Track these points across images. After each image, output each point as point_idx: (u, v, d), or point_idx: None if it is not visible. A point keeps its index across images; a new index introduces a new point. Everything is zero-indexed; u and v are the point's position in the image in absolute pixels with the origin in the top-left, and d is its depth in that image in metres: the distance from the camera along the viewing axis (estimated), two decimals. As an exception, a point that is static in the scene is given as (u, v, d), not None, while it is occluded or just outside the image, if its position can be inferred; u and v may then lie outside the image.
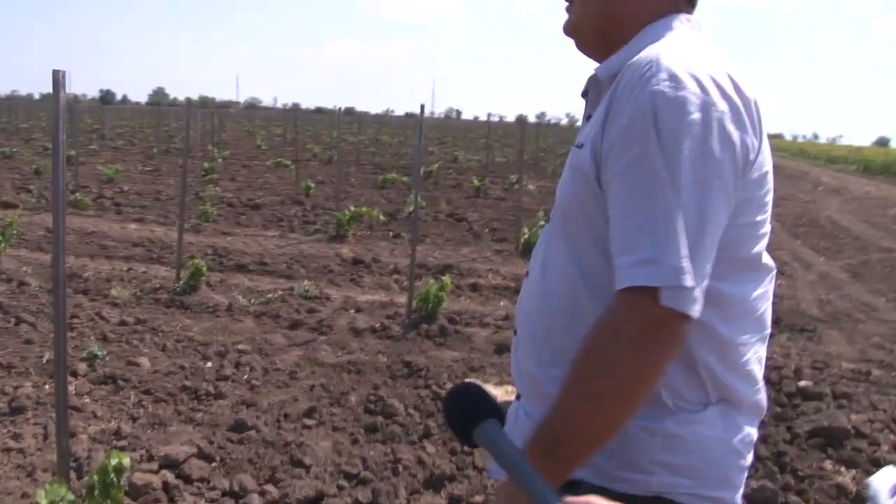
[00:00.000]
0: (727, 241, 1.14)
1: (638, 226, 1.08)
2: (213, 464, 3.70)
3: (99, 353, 5.03)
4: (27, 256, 8.05)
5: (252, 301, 6.61)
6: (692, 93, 1.09)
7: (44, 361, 4.96)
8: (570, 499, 0.90)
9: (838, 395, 4.98)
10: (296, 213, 12.07)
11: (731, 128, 1.11)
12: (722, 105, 1.11)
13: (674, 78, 1.10)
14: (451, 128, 71.26)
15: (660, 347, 1.07)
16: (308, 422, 4.21)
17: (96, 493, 2.75)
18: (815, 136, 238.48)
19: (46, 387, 4.56)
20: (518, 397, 1.40)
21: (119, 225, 10.27)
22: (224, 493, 3.44)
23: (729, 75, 1.15)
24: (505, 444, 1.01)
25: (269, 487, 3.47)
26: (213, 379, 4.78)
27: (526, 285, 1.38)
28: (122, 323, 5.85)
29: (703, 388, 1.22)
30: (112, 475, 2.76)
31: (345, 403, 4.51)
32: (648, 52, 1.17)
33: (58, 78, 2.65)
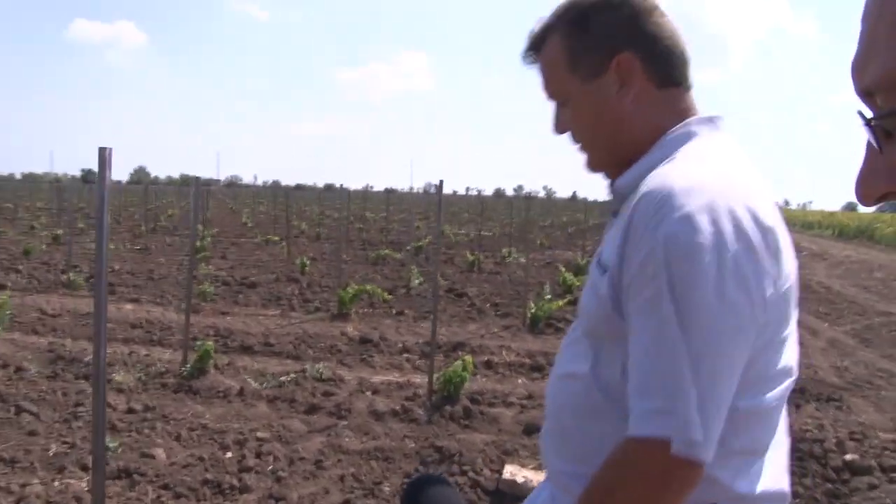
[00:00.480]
0: (754, 362, 1.14)
1: (651, 372, 1.09)
2: (250, 568, 3.40)
3: (110, 444, 4.72)
4: (22, 340, 7.72)
5: (264, 385, 6.33)
6: (705, 236, 1.07)
7: (50, 455, 4.64)
8: None
9: (886, 468, 4.79)
10: (293, 290, 11.83)
11: (746, 267, 1.08)
12: (737, 244, 1.08)
13: (686, 219, 1.08)
14: (433, 203, 71.74)
15: (670, 494, 1.08)
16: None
17: None
18: (787, 203, 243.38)
19: (56, 483, 4.24)
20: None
21: (114, 306, 9.96)
22: None
23: (747, 206, 1.11)
24: None
25: None
26: (236, 471, 4.48)
27: (552, 378, 1.40)
28: (130, 411, 5.55)
29: None
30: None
31: (379, 494, 4.23)
32: (662, 180, 1.15)
33: (104, 156, 2.48)
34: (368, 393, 6.24)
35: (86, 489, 4.17)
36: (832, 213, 79.31)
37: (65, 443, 4.85)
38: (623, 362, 1.18)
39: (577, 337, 1.34)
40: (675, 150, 1.26)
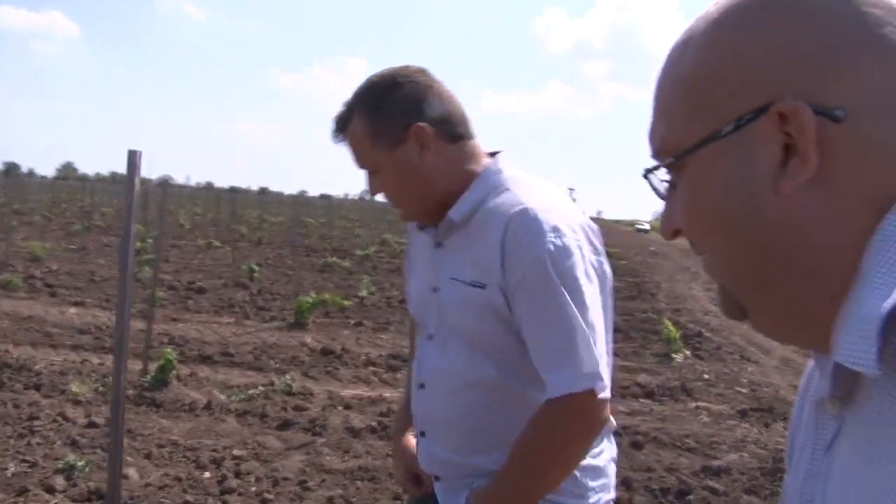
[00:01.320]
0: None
1: (560, 347, 1.44)
2: None
3: (77, 463, 4.41)
4: (-40, 346, 7.23)
5: (232, 398, 6.05)
6: (569, 238, 1.47)
7: (8, 475, 4.30)
8: None
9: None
10: (244, 297, 11.47)
11: (591, 257, 1.52)
12: (582, 241, 1.51)
13: (555, 230, 1.46)
14: (368, 209, 71.22)
15: (598, 427, 1.50)
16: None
17: None
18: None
19: (21, 506, 3.93)
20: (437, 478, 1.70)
21: (57, 309, 9.47)
22: None
23: (576, 219, 1.54)
24: None
25: None
26: (217, 492, 4.24)
27: (429, 393, 1.67)
28: (92, 425, 5.21)
29: None
30: None
31: (373, 518, 4.06)
32: (523, 207, 1.49)
33: (134, 160, 2.27)
34: (341, 408, 6.03)
35: (55, 513, 3.88)
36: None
37: (24, 461, 4.50)
38: (510, 347, 1.54)
39: (449, 347, 1.62)
40: (495, 183, 1.59)
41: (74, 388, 5.93)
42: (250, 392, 6.19)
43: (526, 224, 1.48)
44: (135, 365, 6.82)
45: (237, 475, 4.48)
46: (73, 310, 9.56)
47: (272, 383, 6.46)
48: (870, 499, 0.52)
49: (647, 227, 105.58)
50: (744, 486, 4.90)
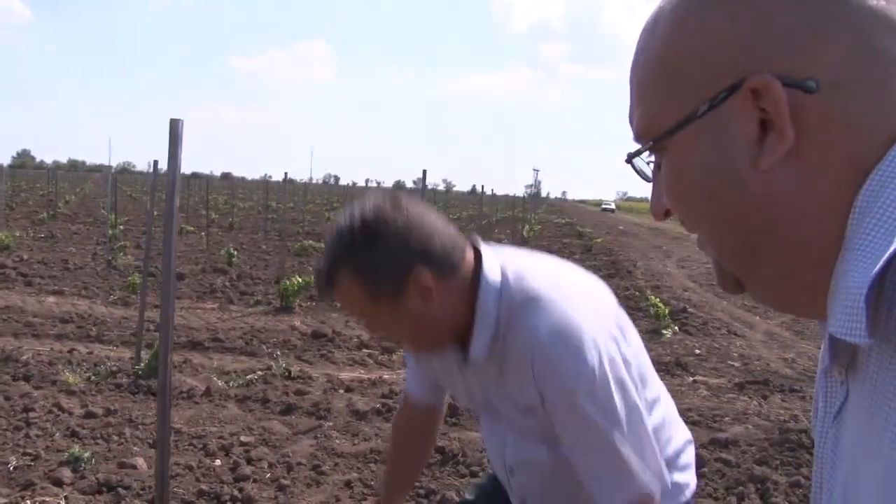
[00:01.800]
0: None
1: (605, 469, 1.47)
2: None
3: (82, 455, 4.26)
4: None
5: (231, 384, 5.92)
6: (593, 355, 1.42)
7: (11, 469, 4.15)
8: None
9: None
10: (224, 282, 11.27)
11: (619, 362, 1.47)
12: (611, 349, 1.46)
13: (578, 354, 1.41)
14: (334, 193, 70.67)
15: None
16: None
17: None
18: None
19: (28, 502, 3.78)
20: None
21: (34, 298, 9.18)
22: None
23: (599, 328, 1.47)
24: None
25: None
26: (232, 480, 4.13)
27: (523, 477, 1.67)
28: (90, 415, 5.05)
29: None
30: None
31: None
32: (536, 339, 1.45)
33: (177, 128, 2.15)
34: (342, 391, 5.94)
35: (65, 506, 3.74)
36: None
37: (26, 454, 4.34)
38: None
39: (539, 445, 1.60)
40: (499, 300, 1.50)
41: (67, 378, 5.74)
42: (249, 377, 6.06)
43: (547, 358, 1.44)
44: (123, 353, 6.67)
45: (249, 462, 4.37)
46: (51, 299, 9.29)
47: (269, 368, 6.33)
48: (873, 466, 0.52)
49: (613, 206, 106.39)
50: (754, 457, 4.91)
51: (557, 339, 1.43)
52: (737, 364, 7.81)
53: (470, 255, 1.53)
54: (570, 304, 1.48)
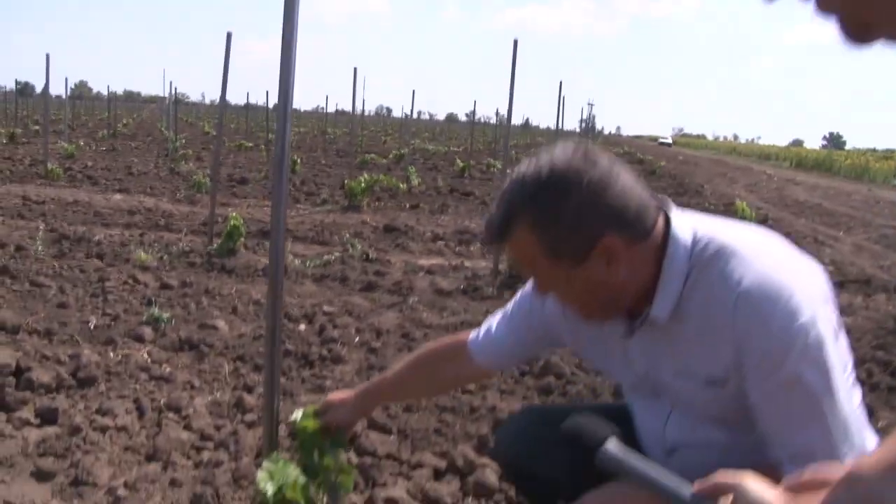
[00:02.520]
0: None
1: (808, 444, 1.22)
2: (391, 437, 2.83)
3: (161, 315, 4.05)
4: (10, 223, 6.88)
5: (308, 264, 5.67)
6: (807, 317, 1.21)
7: (91, 328, 3.96)
8: (699, 484, 1.05)
9: None
10: (292, 182, 11.06)
11: (833, 328, 1.24)
12: (826, 310, 1.24)
13: (788, 307, 1.21)
14: (387, 124, 70.13)
15: None
16: (472, 387, 3.36)
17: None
18: (736, 137, 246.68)
19: (111, 354, 3.58)
20: None
21: (101, 196, 9.09)
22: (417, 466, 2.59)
23: (794, 271, 1.28)
24: (629, 458, 1.13)
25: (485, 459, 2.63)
26: (319, 343, 3.88)
27: (682, 457, 1.45)
28: (165, 286, 4.86)
29: None
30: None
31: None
32: (739, 290, 1.24)
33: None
34: (422, 273, 5.65)
35: (148, 360, 3.53)
36: (786, 147, 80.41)
37: (106, 314, 4.16)
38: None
39: (708, 428, 1.41)
40: (690, 259, 1.31)
41: (141, 255, 5.56)
42: (326, 258, 5.81)
43: (753, 312, 1.24)
44: (193, 240, 6.49)
45: (334, 328, 4.12)
46: (118, 196, 9.18)
47: (347, 250, 6.07)
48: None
49: (669, 140, 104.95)
50: (870, 343, 4.54)
51: (766, 291, 1.23)
52: (830, 268, 7.31)
53: (661, 218, 1.35)
54: (776, 259, 1.29)
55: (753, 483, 1.01)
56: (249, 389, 3.25)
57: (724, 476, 1.03)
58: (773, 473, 1.23)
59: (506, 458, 1.75)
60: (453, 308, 4.69)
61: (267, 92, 25.91)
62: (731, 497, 1.00)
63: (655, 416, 1.49)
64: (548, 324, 1.60)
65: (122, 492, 2.35)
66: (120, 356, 3.54)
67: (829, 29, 0.57)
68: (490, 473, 2.48)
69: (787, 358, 1.21)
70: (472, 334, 1.75)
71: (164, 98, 35.30)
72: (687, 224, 1.35)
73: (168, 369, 3.44)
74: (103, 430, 2.77)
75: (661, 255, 1.33)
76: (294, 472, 1.80)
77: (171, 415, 2.96)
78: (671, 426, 1.47)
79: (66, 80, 24.68)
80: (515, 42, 5.67)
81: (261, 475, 1.77)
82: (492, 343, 1.70)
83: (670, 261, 1.33)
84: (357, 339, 3.97)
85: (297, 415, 1.90)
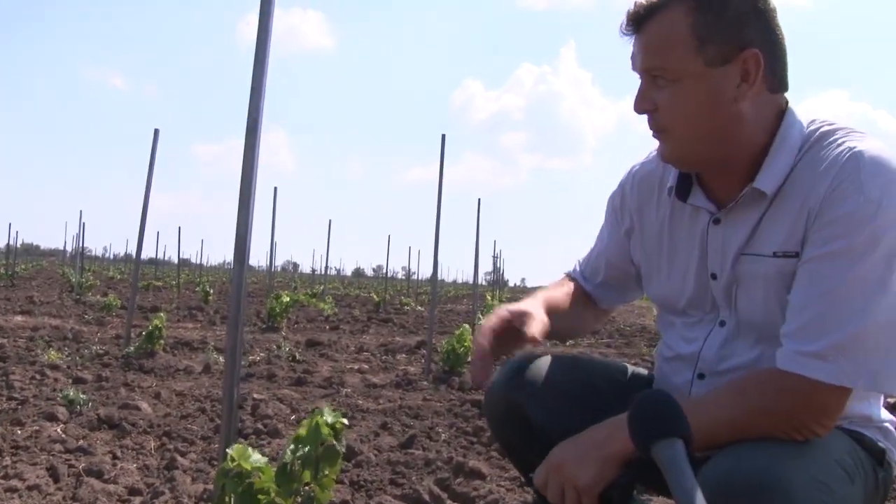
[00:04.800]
0: None
1: (824, 317, 1.19)
2: (344, 485, 2.63)
3: (77, 396, 3.75)
4: None
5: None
6: None
7: (-6, 413, 3.60)
8: None
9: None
10: (205, 312, 10.73)
11: None
12: None
13: (890, 183, 1.18)
14: (290, 278, 69.82)
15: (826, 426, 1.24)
16: (413, 452, 3.19)
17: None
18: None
19: (19, 431, 3.25)
20: None
21: (0, 318, 8.56)
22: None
23: None
24: (683, 470, 0.96)
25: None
26: (252, 420, 3.64)
27: (709, 386, 1.41)
28: (79, 380, 4.52)
29: None
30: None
31: (436, 438, 3.52)
32: (850, 152, 1.22)
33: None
34: (350, 374, 5.47)
35: (63, 434, 3.21)
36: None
37: (12, 398, 3.81)
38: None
39: (751, 346, 1.37)
40: (805, 134, 1.30)
41: (52, 355, 5.19)
42: (251, 358, 5.57)
43: (856, 168, 1.20)
44: (108, 339, 6.14)
45: (267, 408, 3.89)
46: (19, 318, 8.64)
47: (272, 351, 5.85)
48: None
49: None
50: None
51: (877, 164, 1.20)
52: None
53: (784, 97, 1.34)
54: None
55: None
56: (183, 454, 2.99)
57: None
58: None
59: (502, 393, 1.59)
60: (388, 397, 4.53)
61: (179, 242, 25.56)
62: None
63: (695, 340, 1.44)
64: (626, 228, 1.58)
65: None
66: (30, 432, 3.22)
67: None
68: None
69: (870, 223, 1.17)
70: (577, 272, 1.72)
71: (64, 251, 34.31)
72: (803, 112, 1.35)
73: (86, 443, 3.14)
74: (13, 490, 2.47)
75: (777, 127, 1.31)
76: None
77: (91, 479, 2.66)
78: (708, 350, 1.41)
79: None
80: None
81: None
82: (601, 283, 1.67)
83: (785, 131, 1.30)
84: (293, 416, 3.76)
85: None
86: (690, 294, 1.45)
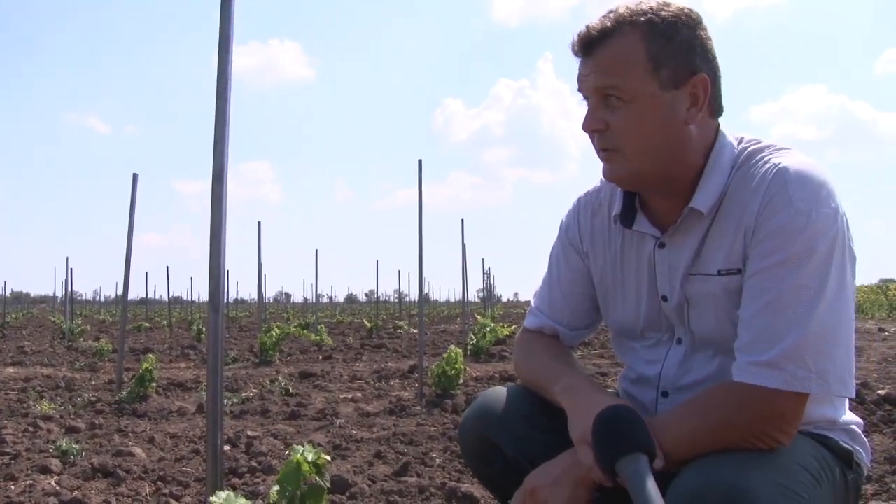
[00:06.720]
0: None
1: (774, 329, 1.24)
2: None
3: (70, 447, 3.76)
4: None
5: (227, 402, 5.42)
6: (831, 209, 1.25)
7: (-12, 469, 3.61)
8: None
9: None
10: (198, 350, 10.71)
11: (850, 238, 1.28)
12: (847, 221, 1.28)
13: (817, 195, 1.25)
14: (282, 309, 69.57)
15: (789, 433, 1.29)
16: (407, 480, 3.22)
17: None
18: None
19: (13, 486, 3.26)
20: None
21: (-8, 370, 8.52)
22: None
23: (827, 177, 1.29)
24: (647, 486, 0.95)
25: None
26: (247, 458, 3.66)
27: (673, 403, 1.46)
28: (72, 430, 4.52)
29: None
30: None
31: (430, 463, 3.55)
32: (777, 168, 1.29)
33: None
34: (343, 405, 5.49)
35: (57, 487, 3.22)
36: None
37: (5, 453, 3.81)
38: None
39: (709, 361, 1.43)
40: (735, 152, 1.38)
41: (44, 406, 5.19)
42: (244, 395, 5.58)
43: (783, 189, 1.27)
44: (98, 395, 6.14)
45: (262, 445, 3.91)
46: (10, 369, 8.61)
47: (265, 387, 5.86)
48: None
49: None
50: None
51: (802, 173, 1.28)
52: None
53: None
54: (819, 166, 1.33)
55: None
56: (178, 498, 3.00)
57: None
58: None
59: (473, 430, 1.64)
60: (382, 424, 4.55)
61: (167, 280, 25.52)
62: None
63: (656, 359, 1.50)
64: (584, 253, 1.61)
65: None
66: (23, 487, 3.23)
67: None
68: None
69: (802, 233, 1.23)
70: (534, 322, 1.69)
71: (54, 298, 34.07)
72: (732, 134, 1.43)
73: (80, 494, 3.15)
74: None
75: (710, 150, 1.38)
76: None
77: (88, 529, 2.68)
78: (668, 368, 1.47)
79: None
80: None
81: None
82: (558, 312, 1.65)
83: (718, 152, 1.37)
84: (287, 452, 3.77)
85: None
86: (645, 317, 1.50)
